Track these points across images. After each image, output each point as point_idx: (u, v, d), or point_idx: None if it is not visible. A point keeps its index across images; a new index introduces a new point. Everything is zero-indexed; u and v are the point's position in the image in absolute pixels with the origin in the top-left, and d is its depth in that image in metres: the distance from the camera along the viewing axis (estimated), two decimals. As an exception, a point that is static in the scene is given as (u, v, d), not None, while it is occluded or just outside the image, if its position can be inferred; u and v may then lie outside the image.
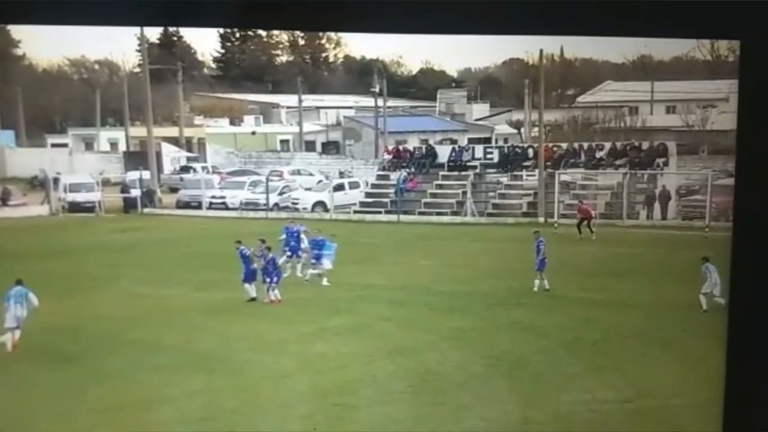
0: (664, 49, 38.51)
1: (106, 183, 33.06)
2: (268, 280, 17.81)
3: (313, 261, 19.43)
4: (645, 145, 29.98)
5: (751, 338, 3.49)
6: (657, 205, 27.82)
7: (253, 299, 17.90)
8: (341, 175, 35.04)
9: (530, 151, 31.19)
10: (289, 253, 20.38)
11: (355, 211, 29.97)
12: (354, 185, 32.57)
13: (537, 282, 18.54)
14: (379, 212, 29.39)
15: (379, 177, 32.45)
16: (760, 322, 3.47)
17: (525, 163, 30.90)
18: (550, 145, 31.61)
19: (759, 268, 3.43)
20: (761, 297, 3.46)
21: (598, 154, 30.20)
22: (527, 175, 30.47)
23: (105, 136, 45.95)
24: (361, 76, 48.53)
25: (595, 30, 3.24)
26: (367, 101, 43.09)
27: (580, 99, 44.29)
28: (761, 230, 3.42)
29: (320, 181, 33.89)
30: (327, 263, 19.07)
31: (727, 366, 3.56)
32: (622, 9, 3.22)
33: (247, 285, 17.99)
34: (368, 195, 31.30)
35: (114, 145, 45.38)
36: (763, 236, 3.42)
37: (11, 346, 14.56)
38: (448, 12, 2.80)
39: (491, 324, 16.52)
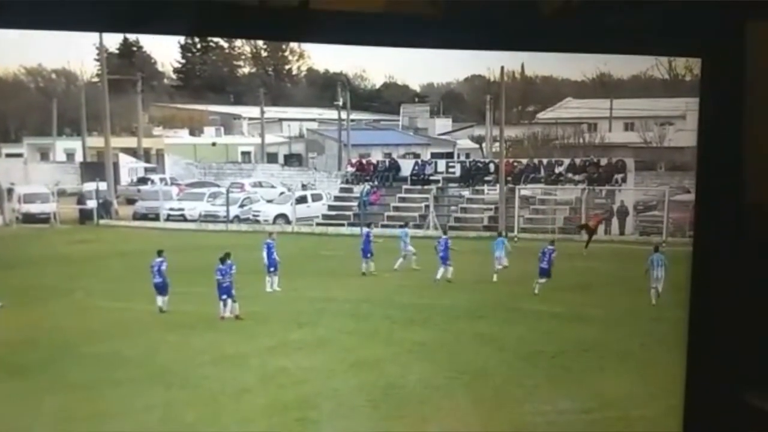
0: (623, 67, 39.09)
1: (62, 194, 32.35)
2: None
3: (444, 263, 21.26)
4: (604, 161, 30.37)
5: (709, 349, 3.57)
6: (615, 220, 28.24)
7: (161, 310, 18.16)
8: (304, 187, 34.82)
9: (491, 166, 31.42)
10: (272, 269, 20.25)
11: (318, 224, 29.83)
12: (317, 198, 32.38)
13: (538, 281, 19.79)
14: (342, 225, 29.29)
15: (342, 190, 32.30)
16: (718, 334, 3.54)
17: (486, 178, 31.11)
18: (511, 160, 31.89)
19: (717, 282, 3.51)
20: (719, 309, 3.53)
21: (558, 170, 30.51)
22: (488, 190, 30.68)
23: (61, 146, 45.03)
24: (324, 88, 48.35)
25: (560, 46, 3.29)
26: (331, 114, 43.00)
27: (540, 115, 44.69)
28: (720, 243, 3.50)
29: (282, 194, 33.63)
30: (505, 259, 21.22)
31: (687, 377, 3.63)
32: (588, 26, 3.28)
33: (160, 297, 18.33)
34: (331, 208, 31.14)
35: (71, 155, 44.48)
36: (722, 249, 3.50)
37: None
38: (411, 26, 2.82)
39: (453, 337, 16.57)
